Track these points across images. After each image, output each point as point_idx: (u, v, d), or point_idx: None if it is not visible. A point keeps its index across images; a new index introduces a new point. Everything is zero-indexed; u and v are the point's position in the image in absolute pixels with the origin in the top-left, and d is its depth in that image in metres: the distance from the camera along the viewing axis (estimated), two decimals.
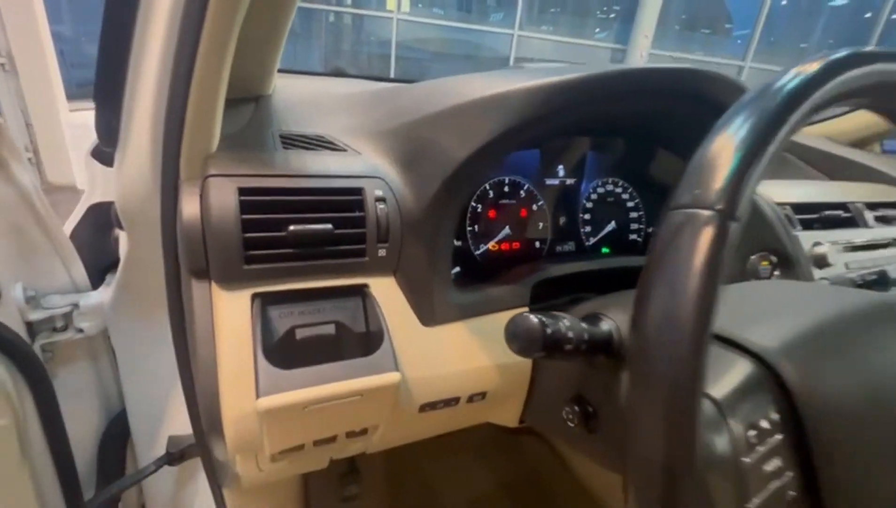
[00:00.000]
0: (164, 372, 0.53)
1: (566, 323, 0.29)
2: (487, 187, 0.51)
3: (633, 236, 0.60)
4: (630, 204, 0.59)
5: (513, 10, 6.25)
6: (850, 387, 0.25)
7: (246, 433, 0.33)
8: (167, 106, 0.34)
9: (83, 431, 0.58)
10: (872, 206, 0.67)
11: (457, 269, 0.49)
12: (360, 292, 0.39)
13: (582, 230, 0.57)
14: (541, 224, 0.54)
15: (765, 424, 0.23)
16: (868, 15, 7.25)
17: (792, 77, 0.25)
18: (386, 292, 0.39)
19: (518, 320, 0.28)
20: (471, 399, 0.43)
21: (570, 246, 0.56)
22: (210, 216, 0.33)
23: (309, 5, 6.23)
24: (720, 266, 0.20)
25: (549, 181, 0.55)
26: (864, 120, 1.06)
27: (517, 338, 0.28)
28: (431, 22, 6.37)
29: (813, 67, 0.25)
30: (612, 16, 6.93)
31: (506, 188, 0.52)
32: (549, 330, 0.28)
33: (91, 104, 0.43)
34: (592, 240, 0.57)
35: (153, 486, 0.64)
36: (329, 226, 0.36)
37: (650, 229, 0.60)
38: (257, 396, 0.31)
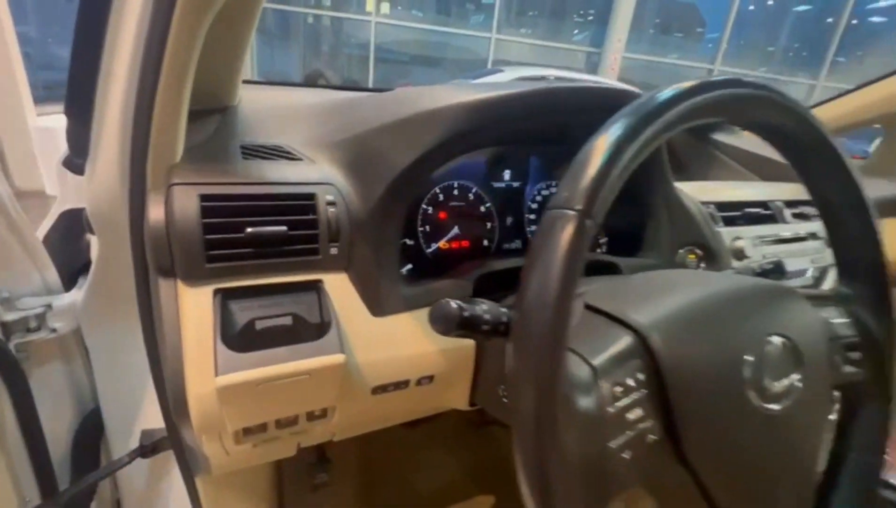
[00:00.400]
0: (135, 369, 0.56)
1: (484, 307, 0.34)
2: (437, 191, 0.56)
3: None
4: None
5: (493, 12, 6.34)
6: (705, 353, 0.30)
7: (209, 412, 0.37)
8: (133, 121, 0.38)
9: (58, 427, 0.61)
10: (791, 204, 0.74)
11: (409, 266, 0.54)
12: (315, 287, 0.43)
13: (528, 229, 0.62)
14: (488, 224, 0.59)
15: (631, 382, 0.28)
16: (830, 20, 7.60)
17: (658, 95, 0.30)
18: (338, 286, 0.44)
19: (439, 304, 0.33)
20: (419, 382, 0.48)
21: (517, 244, 0.61)
22: (174, 220, 0.37)
23: (285, 7, 6.20)
24: (578, 255, 0.25)
25: (497, 185, 0.60)
26: None
27: (437, 320, 0.33)
28: (409, 25, 6.41)
29: (683, 86, 0.31)
30: (590, 18, 7.10)
31: (455, 192, 0.57)
32: (466, 313, 0.32)
33: (58, 107, 0.47)
34: None
35: (128, 481, 0.67)
36: (284, 228, 0.40)
37: None
38: (216, 375, 0.35)
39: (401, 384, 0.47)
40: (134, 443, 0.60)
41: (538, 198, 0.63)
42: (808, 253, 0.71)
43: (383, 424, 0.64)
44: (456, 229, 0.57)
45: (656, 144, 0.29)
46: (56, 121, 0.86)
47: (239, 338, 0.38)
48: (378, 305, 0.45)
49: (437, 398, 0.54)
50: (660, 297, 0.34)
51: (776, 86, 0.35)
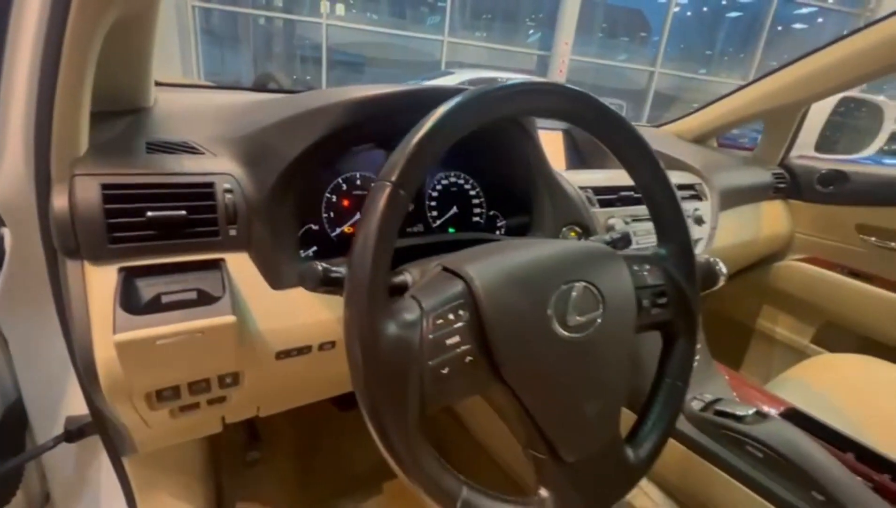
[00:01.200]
0: (56, 357, 0.59)
1: None
2: (341, 181, 0.62)
3: (476, 218, 0.73)
4: (472, 192, 0.73)
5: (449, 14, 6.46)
6: (517, 294, 0.38)
7: (114, 373, 0.42)
8: (35, 119, 0.42)
9: None
10: None
11: (314, 248, 0.60)
12: (218, 264, 0.48)
13: (429, 215, 0.70)
14: None
15: (451, 317, 0.36)
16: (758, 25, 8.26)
17: (472, 92, 0.38)
18: (239, 264, 0.49)
19: (307, 266, 0.40)
20: (322, 348, 0.54)
21: (419, 227, 0.69)
22: (77, 207, 0.42)
23: (231, 8, 6.06)
24: (391, 218, 0.33)
25: None
26: (703, 120, 1.30)
27: (304, 279, 0.40)
28: (361, 27, 6.42)
29: (491, 86, 0.39)
30: (542, 22, 7.36)
31: (358, 182, 0.63)
32: (331, 274, 0.39)
33: None
34: (438, 222, 0.70)
35: (55, 468, 0.69)
36: (183, 212, 0.45)
37: (491, 212, 0.74)
38: (114, 334, 0.39)
39: (304, 350, 0.53)
40: (59, 431, 0.62)
41: (438, 187, 0.70)
42: None
43: (304, 397, 0.70)
44: (359, 215, 0.63)
45: (466, 130, 0.37)
46: None
47: (145, 309, 0.43)
48: (277, 279, 0.51)
49: (344, 365, 0.60)
50: (493, 256, 0.42)
51: (590, 92, 0.44)
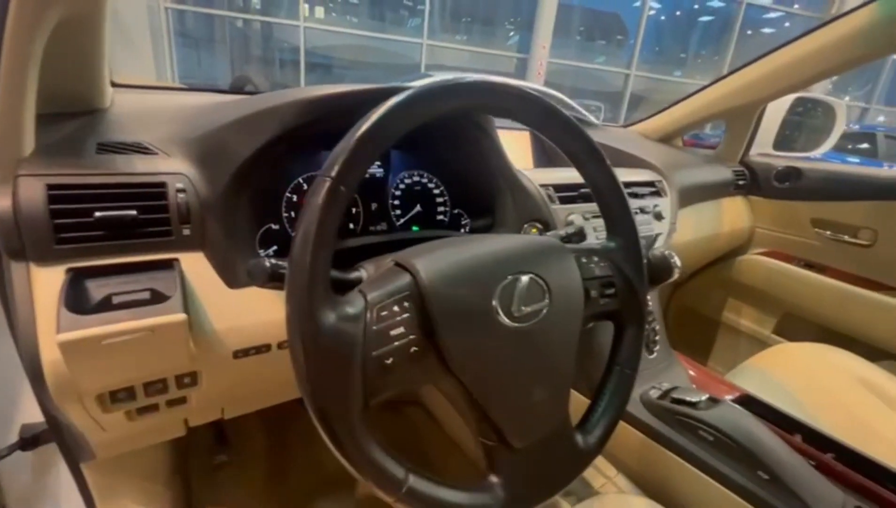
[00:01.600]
0: (9, 363, 0.58)
1: None
2: (301, 181, 0.62)
3: (440, 217, 0.75)
4: (436, 191, 0.74)
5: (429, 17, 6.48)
6: (463, 285, 0.39)
7: (60, 373, 0.41)
8: None
9: None
10: (626, 184, 0.88)
11: (275, 247, 0.60)
12: (172, 264, 0.48)
13: (392, 213, 0.70)
14: (353, 210, 0.67)
15: (396, 309, 0.37)
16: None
17: (413, 90, 0.39)
18: (194, 263, 0.49)
19: (255, 261, 0.40)
20: (281, 346, 0.54)
21: (382, 226, 0.70)
22: (20, 207, 0.41)
23: (206, 10, 5.97)
24: (330, 212, 0.33)
25: None
26: (668, 119, 1.34)
27: (251, 274, 0.40)
28: (339, 30, 6.39)
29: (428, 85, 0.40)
30: (521, 25, 7.45)
31: None
32: (280, 270, 0.40)
33: None
34: (402, 221, 0.71)
35: (11, 479, 0.67)
36: (133, 212, 0.45)
37: (455, 211, 0.76)
38: (57, 334, 0.39)
39: (262, 349, 0.53)
40: (14, 439, 0.61)
41: (401, 186, 0.71)
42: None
43: (269, 397, 0.69)
44: None
45: (408, 127, 0.38)
46: None
47: (94, 309, 0.43)
48: (233, 278, 0.51)
49: None
50: (442, 250, 0.43)
51: (541, 91, 0.45)
